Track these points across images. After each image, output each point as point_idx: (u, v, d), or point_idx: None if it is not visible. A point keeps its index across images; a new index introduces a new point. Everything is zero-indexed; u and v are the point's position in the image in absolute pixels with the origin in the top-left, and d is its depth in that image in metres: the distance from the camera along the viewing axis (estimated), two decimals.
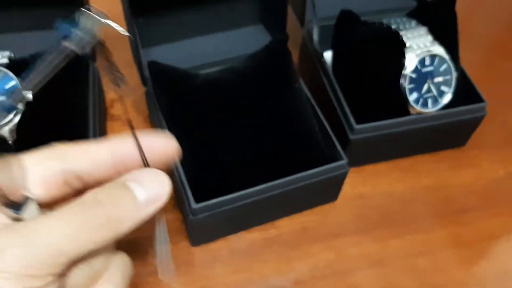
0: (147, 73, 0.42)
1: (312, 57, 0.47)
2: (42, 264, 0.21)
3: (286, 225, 0.43)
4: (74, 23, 0.23)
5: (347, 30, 0.45)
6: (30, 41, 0.43)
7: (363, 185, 0.46)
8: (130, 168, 0.26)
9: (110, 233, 0.23)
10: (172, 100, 0.40)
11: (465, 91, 0.46)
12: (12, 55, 0.39)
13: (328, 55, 0.47)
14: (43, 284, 0.21)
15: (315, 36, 0.46)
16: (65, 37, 0.23)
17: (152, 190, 0.25)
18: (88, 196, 0.24)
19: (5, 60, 0.38)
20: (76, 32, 0.24)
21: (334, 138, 0.41)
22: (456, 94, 0.44)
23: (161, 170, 0.26)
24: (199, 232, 0.40)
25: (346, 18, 0.45)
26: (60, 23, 0.24)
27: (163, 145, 0.27)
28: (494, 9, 0.65)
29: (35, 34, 0.45)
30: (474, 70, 0.49)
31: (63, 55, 0.25)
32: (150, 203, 0.25)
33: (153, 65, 0.40)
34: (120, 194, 0.24)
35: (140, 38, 0.41)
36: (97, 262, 0.24)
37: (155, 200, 0.25)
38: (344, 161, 0.40)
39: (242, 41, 0.46)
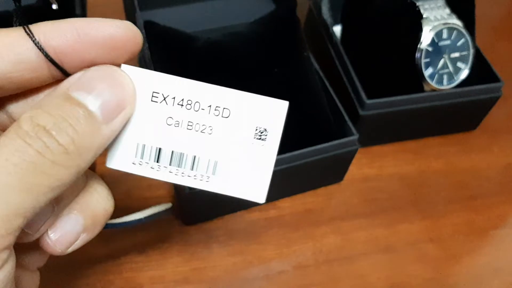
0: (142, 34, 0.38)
1: (320, 30, 0.44)
2: None
3: (288, 206, 0.40)
4: None
5: (360, 1, 0.42)
6: None
7: (370, 166, 0.43)
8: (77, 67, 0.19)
9: (65, 175, 0.17)
10: (170, 64, 0.36)
11: (480, 71, 0.43)
12: None
13: (335, 28, 0.44)
14: None
15: (325, 7, 0.43)
16: None
17: (109, 96, 0.18)
18: (24, 123, 0.17)
19: None
20: None
21: (344, 113, 0.38)
22: (471, 73, 0.41)
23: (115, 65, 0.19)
24: (194, 209, 0.36)
25: None
26: None
27: (112, 32, 0.19)
28: None
29: None
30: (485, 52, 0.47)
31: None
32: (111, 115, 0.18)
33: (149, 25, 0.37)
34: (67, 113, 0.17)
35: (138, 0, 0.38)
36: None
37: (117, 109, 0.19)
38: (355, 137, 0.37)
39: (246, 7, 0.43)
